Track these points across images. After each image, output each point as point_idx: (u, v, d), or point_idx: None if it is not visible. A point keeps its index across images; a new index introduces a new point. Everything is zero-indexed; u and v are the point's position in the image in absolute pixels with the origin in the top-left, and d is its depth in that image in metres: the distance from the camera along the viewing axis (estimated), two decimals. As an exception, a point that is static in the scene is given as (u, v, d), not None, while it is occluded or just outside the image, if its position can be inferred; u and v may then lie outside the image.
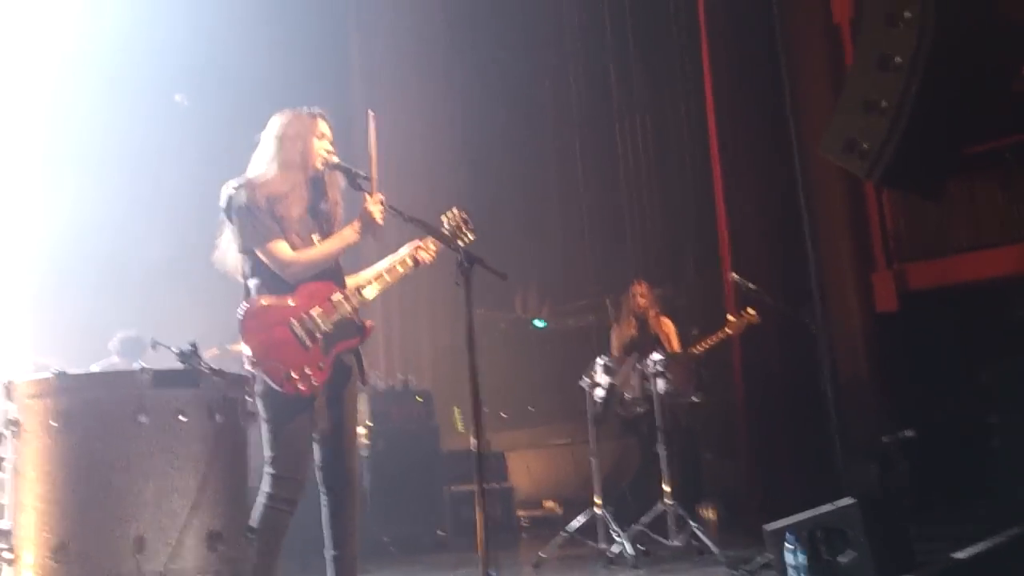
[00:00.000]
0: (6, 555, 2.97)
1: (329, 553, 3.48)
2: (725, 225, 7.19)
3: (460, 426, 8.47)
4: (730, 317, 6.23)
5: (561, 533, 5.56)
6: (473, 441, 3.22)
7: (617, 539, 5.20)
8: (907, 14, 5.18)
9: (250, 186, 3.41)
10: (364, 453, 6.48)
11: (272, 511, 3.32)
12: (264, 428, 3.36)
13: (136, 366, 3.09)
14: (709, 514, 6.75)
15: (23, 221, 6.49)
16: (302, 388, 3.27)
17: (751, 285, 5.93)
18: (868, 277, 7.08)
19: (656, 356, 5.64)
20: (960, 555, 3.80)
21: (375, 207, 3.42)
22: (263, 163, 3.48)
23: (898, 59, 5.20)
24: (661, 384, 5.56)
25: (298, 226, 3.44)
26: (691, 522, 5.25)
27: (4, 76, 6.67)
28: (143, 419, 2.98)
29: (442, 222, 3.65)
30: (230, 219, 3.44)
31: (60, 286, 6.45)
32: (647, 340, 6.47)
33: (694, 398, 6.04)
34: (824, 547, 3.98)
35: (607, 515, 5.41)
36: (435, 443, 7.07)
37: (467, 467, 6.83)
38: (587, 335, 9.31)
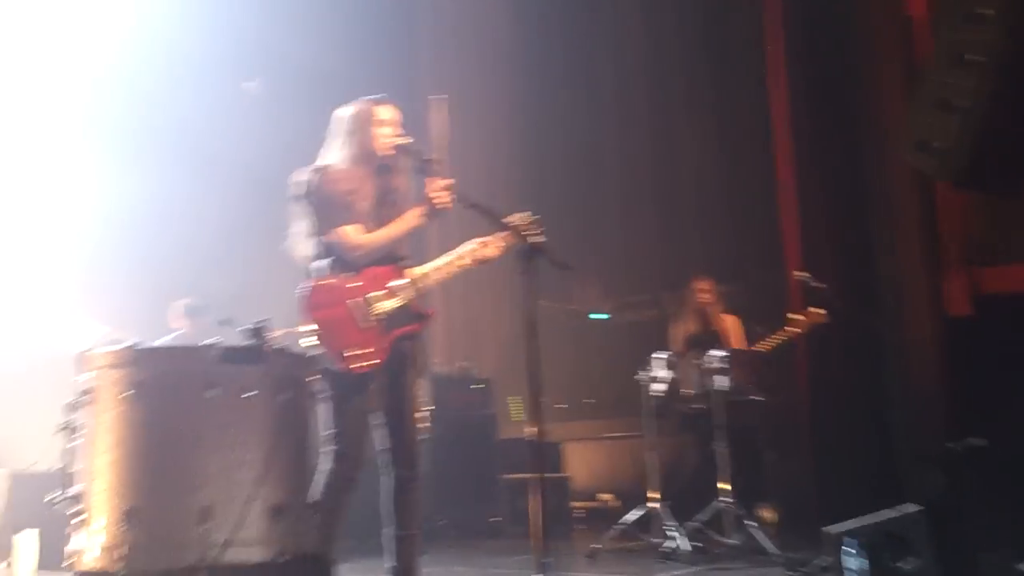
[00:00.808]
0: (79, 518, 3.09)
1: (392, 532, 3.53)
2: (792, 224, 7.08)
3: (517, 415, 8.50)
4: (795, 316, 6.12)
5: (616, 526, 5.55)
6: (530, 431, 3.23)
7: (672, 534, 5.17)
8: (986, 12, 5.01)
9: (322, 174, 3.48)
10: (422, 436, 6.54)
11: (331, 488, 3.38)
12: (326, 405, 3.44)
13: (208, 341, 3.16)
14: (767, 514, 6.67)
15: (88, 197, 6.67)
16: (356, 367, 3.33)
17: (818, 284, 5.83)
18: (940, 280, 6.90)
19: (718, 352, 5.59)
20: (1027, 566, 3.70)
21: (441, 192, 3.45)
22: (331, 156, 3.57)
23: (975, 57, 5.04)
24: (723, 381, 5.50)
25: (366, 217, 3.51)
26: (748, 521, 5.19)
27: (72, 50, 6.84)
28: (211, 394, 3.07)
29: (509, 222, 3.67)
30: (302, 205, 3.51)
31: (122, 260, 6.64)
32: (708, 336, 6.40)
33: (758, 396, 5.96)
34: (888, 553, 3.91)
35: (663, 510, 5.39)
36: (492, 431, 7.11)
37: (523, 456, 6.81)
38: (647, 330, 9.22)
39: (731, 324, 6.54)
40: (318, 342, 3.34)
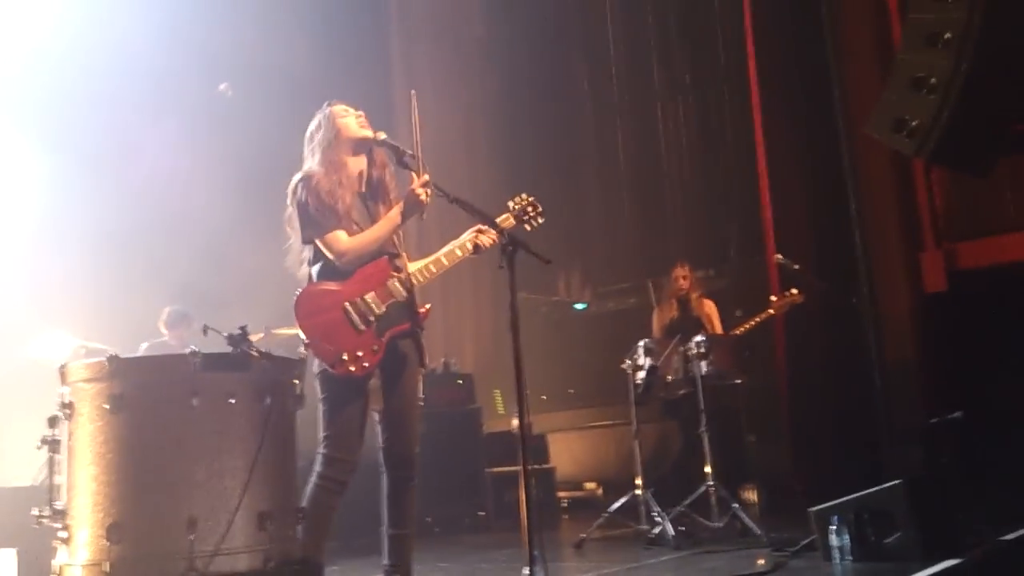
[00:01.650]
0: (61, 534, 3.06)
1: (388, 531, 3.54)
2: (769, 206, 7.12)
3: (501, 408, 8.52)
4: (773, 298, 6.17)
5: (603, 514, 5.58)
6: (515, 423, 3.23)
7: (658, 520, 5.21)
8: (956, -10, 5.06)
9: (304, 181, 3.49)
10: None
11: (322, 491, 3.38)
12: (320, 408, 3.44)
13: (188, 349, 3.14)
14: (752, 496, 6.73)
15: (62, 207, 6.60)
16: (354, 370, 3.33)
17: (795, 266, 5.87)
18: (916, 257, 6.97)
19: (698, 338, 5.62)
20: (1007, 537, 3.75)
21: (420, 187, 3.44)
22: (310, 158, 3.58)
23: (948, 35, 5.08)
24: (703, 366, 5.53)
25: (354, 212, 3.51)
26: (733, 504, 5.23)
27: (48, 58, 6.76)
28: (195, 402, 3.05)
29: (509, 206, 3.71)
30: (290, 213, 3.53)
31: (101, 271, 6.57)
32: (689, 322, 6.43)
33: (737, 380, 6.00)
34: (870, 528, 3.96)
35: (649, 497, 5.42)
36: (476, 425, 7.12)
37: (508, 449, 6.88)
38: (629, 318, 9.28)
39: (710, 309, 6.58)
40: (314, 347, 3.34)
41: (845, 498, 4.05)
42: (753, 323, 6.06)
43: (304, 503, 3.35)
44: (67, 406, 3.14)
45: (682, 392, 5.87)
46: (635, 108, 10.02)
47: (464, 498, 6.81)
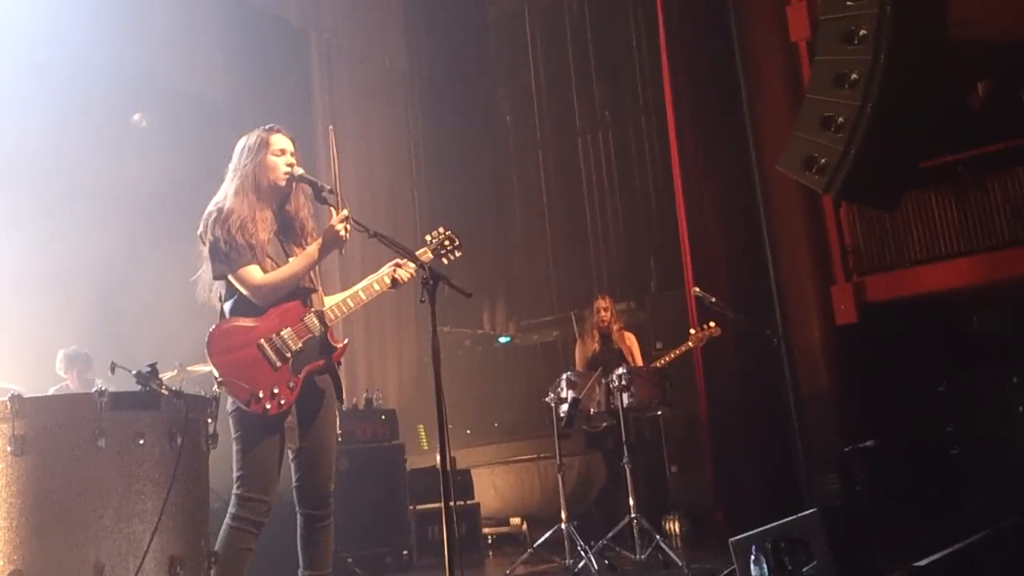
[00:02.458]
0: (-40, 584, 2.90)
1: (304, 573, 3.45)
2: (687, 240, 7.26)
3: (425, 443, 8.43)
4: (692, 331, 6.28)
5: (528, 550, 5.55)
6: (438, 459, 3.20)
7: (583, 554, 5.20)
8: (863, 32, 5.28)
9: (218, 214, 3.40)
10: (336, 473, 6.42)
11: (237, 533, 3.27)
12: (234, 447, 3.34)
13: (95, 388, 3.03)
14: (674, 527, 6.78)
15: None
16: (269, 408, 3.25)
17: (712, 299, 5.99)
18: (827, 290, 7.19)
19: (620, 370, 5.67)
20: (921, 563, 3.84)
21: (339, 223, 3.40)
22: (226, 190, 3.48)
23: (854, 76, 5.30)
24: (625, 398, 5.58)
25: (270, 248, 3.43)
26: (656, 535, 5.26)
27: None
28: (101, 443, 2.93)
29: (427, 240, 3.70)
30: (201, 247, 3.44)
31: (12, 309, 6.30)
32: (611, 354, 6.49)
33: (658, 411, 6.06)
34: (788, 558, 4.01)
35: (573, 530, 5.41)
36: (400, 461, 7.02)
37: (432, 485, 6.79)
38: (552, 351, 9.35)
39: (631, 342, 6.65)
40: (227, 385, 3.25)
41: (763, 528, 4.10)
42: (673, 355, 6.15)
43: (218, 546, 3.24)
44: (-34, 449, 2.99)
45: (605, 424, 5.91)
46: (557, 142, 10.16)
47: (386, 536, 6.69)
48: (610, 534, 5.37)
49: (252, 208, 3.41)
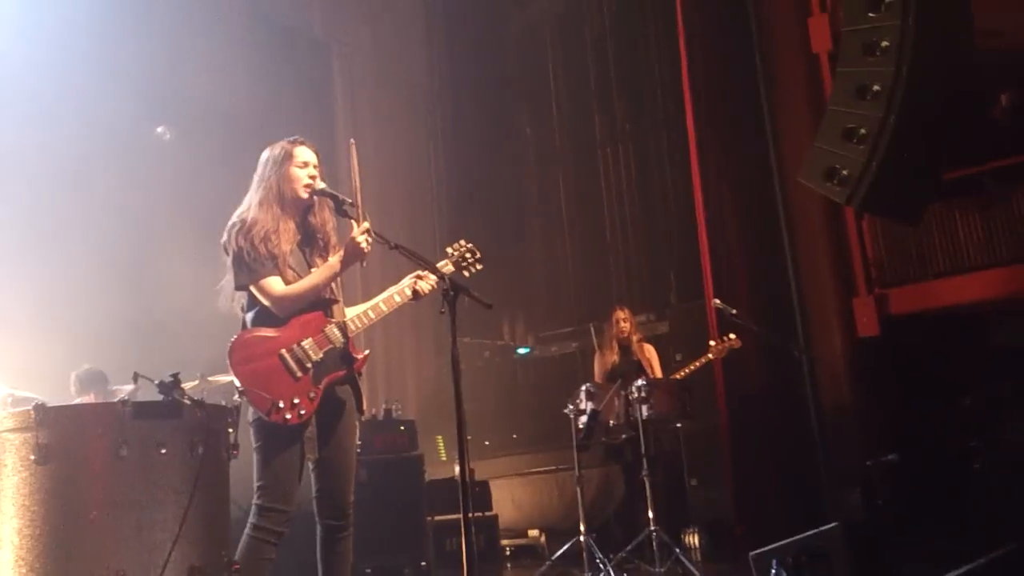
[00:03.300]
0: (-17, 591, 2.93)
1: None
2: (707, 252, 7.24)
3: (444, 455, 8.43)
4: (712, 343, 6.26)
5: (546, 562, 5.54)
6: (457, 470, 3.20)
7: (602, 567, 5.18)
8: (885, 44, 5.26)
9: (241, 225, 3.43)
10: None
11: (257, 543, 3.28)
12: (255, 456, 3.36)
13: (118, 397, 3.06)
14: (694, 540, 6.74)
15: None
16: (290, 418, 3.28)
17: (733, 311, 5.96)
18: (849, 302, 7.13)
19: (639, 382, 5.66)
20: (943, 579, 3.80)
21: (360, 235, 3.42)
22: (250, 200, 3.52)
23: (876, 88, 5.27)
24: (644, 410, 5.56)
25: (292, 259, 3.46)
26: (676, 549, 5.23)
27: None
28: (123, 452, 2.96)
29: (448, 252, 3.72)
30: (225, 258, 3.47)
31: (37, 319, 6.35)
32: (630, 366, 6.48)
33: (678, 423, 6.04)
34: (808, 573, 3.98)
35: (592, 543, 5.39)
36: (418, 472, 7.02)
37: (450, 496, 6.78)
38: (571, 362, 9.33)
39: (650, 353, 6.64)
40: (248, 395, 3.27)
41: (784, 541, 4.08)
42: (693, 367, 6.13)
43: (238, 556, 3.25)
44: (-10, 457, 3.03)
45: (624, 436, 5.89)
46: (577, 155, 10.17)
47: (405, 547, 6.68)
48: (629, 547, 5.36)
49: (276, 219, 3.45)
